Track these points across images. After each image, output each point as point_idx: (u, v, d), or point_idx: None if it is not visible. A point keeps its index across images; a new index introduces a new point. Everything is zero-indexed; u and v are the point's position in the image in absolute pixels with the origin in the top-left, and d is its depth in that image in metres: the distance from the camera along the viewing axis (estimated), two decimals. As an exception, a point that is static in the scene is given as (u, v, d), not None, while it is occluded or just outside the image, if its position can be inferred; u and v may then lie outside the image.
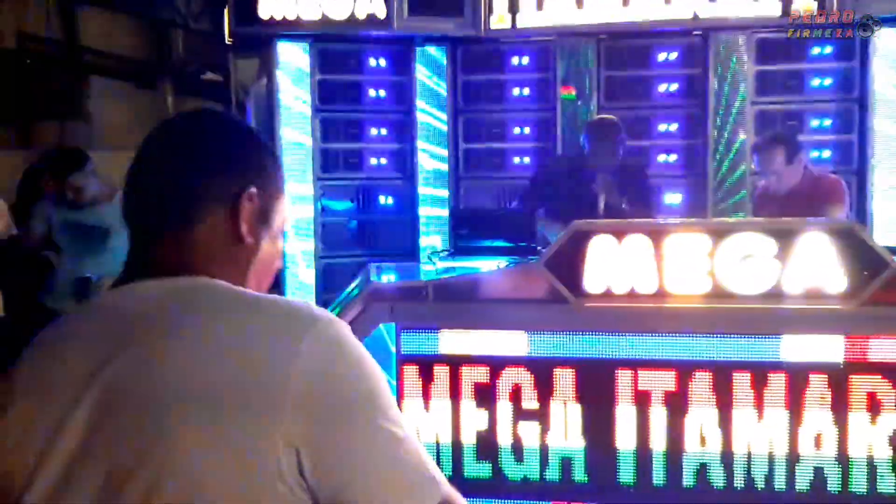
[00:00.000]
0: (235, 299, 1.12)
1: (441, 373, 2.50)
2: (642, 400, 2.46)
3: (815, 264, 2.41)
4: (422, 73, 5.62)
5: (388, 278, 2.91)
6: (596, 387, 2.48)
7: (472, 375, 2.53)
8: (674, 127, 5.53)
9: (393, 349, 2.55)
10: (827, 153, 5.47)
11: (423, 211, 5.56)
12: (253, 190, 1.19)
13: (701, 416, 2.45)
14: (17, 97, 8.70)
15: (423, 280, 2.57)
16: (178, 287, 1.13)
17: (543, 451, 2.51)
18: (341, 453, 1.04)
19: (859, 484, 2.40)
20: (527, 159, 5.64)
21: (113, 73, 9.66)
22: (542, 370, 2.50)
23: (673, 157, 5.53)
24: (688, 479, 2.46)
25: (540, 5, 5.36)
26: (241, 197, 1.17)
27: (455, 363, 2.52)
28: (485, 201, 5.59)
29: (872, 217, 5.27)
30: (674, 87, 5.52)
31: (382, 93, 5.72)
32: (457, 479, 2.53)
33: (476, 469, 2.55)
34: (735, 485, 2.45)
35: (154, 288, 1.13)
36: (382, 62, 5.70)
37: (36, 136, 8.98)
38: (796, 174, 4.00)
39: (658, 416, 2.46)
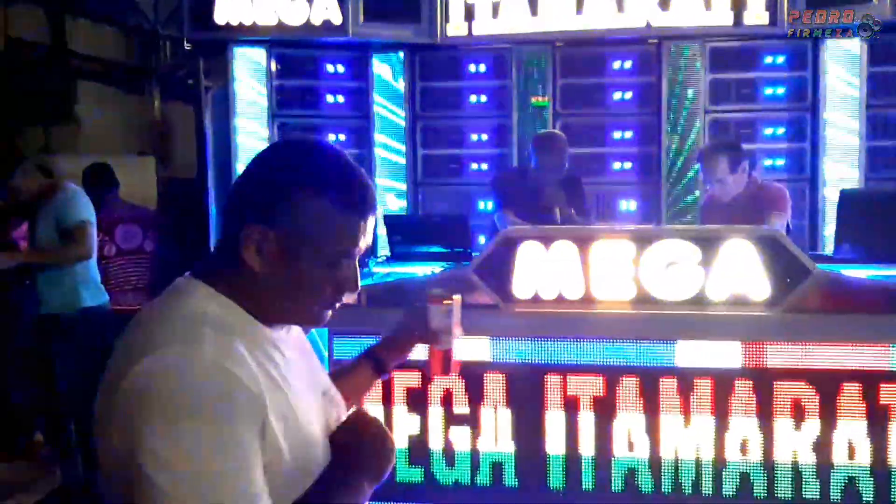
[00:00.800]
0: (152, 311, 1.18)
1: (372, 378, 2.51)
2: (571, 405, 2.49)
3: (739, 271, 2.45)
4: (379, 79, 5.64)
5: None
6: (525, 392, 2.51)
7: (404, 381, 2.54)
8: (628, 134, 5.58)
9: (326, 354, 2.57)
10: (780, 161, 5.54)
11: (380, 215, 5.56)
12: (255, 227, 1.19)
13: (629, 421, 2.48)
14: (5, 102, 8.60)
15: (356, 286, 2.57)
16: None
17: (474, 456, 2.53)
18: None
19: (784, 489, 2.44)
20: (484, 165, 5.67)
21: (101, 78, 9.63)
22: (472, 375, 2.52)
23: (627, 165, 5.58)
24: (616, 484, 2.49)
25: (495, 13, 5.39)
26: (240, 232, 1.19)
27: (386, 369, 2.53)
28: (443, 205, 5.61)
29: (824, 224, 5.35)
30: (628, 94, 5.57)
31: (340, 98, 5.73)
32: (389, 483, 2.54)
33: (408, 474, 2.57)
34: (662, 489, 2.48)
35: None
36: (340, 68, 5.71)
37: (23, 141, 8.90)
38: (740, 182, 4.03)
39: (586, 420, 2.49)
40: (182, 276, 1.25)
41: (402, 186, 5.70)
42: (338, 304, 1.27)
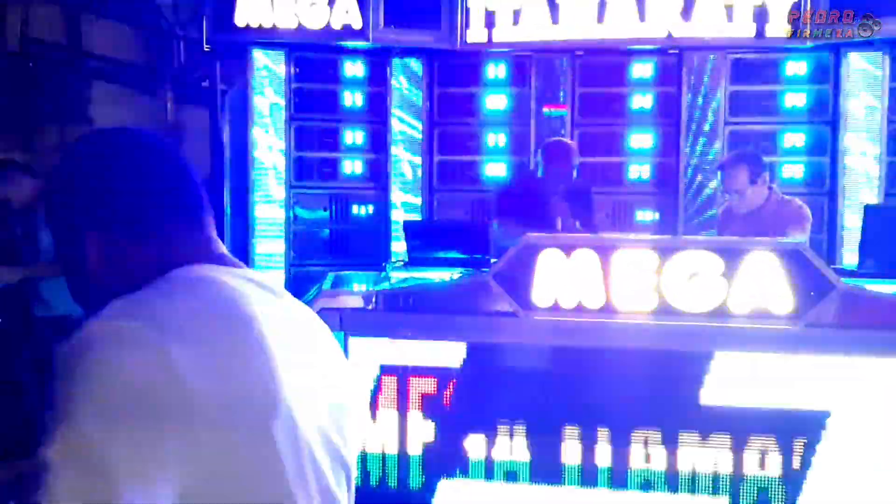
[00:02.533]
0: None
1: (388, 382, 2.50)
2: (589, 414, 2.46)
3: (762, 284, 2.42)
4: (398, 84, 5.64)
5: (343, 287, 2.91)
6: (542, 400, 2.48)
7: (420, 386, 2.52)
8: (647, 143, 5.56)
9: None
10: (799, 174, 5.51)
11: (398, 220, 5.57)
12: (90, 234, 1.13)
13: (647, 433, 2.45)
14: (20, 101, 8.66)
15: (373, 290, 2.56)
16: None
17: (489, 464, 2.51)
18: None
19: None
20: (501, 172, 5.66)
21: (115, 79, 9.69)
22: (489, 383, 2.50)
23: (646, 175, 5.55)
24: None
25: (516, 20, 5.39)
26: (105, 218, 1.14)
27: (403, 374, 2.52)
28: (458, 213, 5.61)
29: (843, 238, 5.31)
30: (648, 104, 5.55)
31: (359, 102, 5.73)
32: (402, 489, 2.52)
33: (422, 481, 2.55)
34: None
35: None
36: (359, 72, 5.71)
37: (38, 141, 8.97)
38: (760, 194, 4.01)
39: (603, 430, 2.46)
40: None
41: (418, 193, 5.69)
42: None
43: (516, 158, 5.64)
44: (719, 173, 4.12)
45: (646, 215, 5.53)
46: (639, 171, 5.56)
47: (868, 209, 3.44)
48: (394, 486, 2.52)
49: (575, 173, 4.06)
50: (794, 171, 5.48)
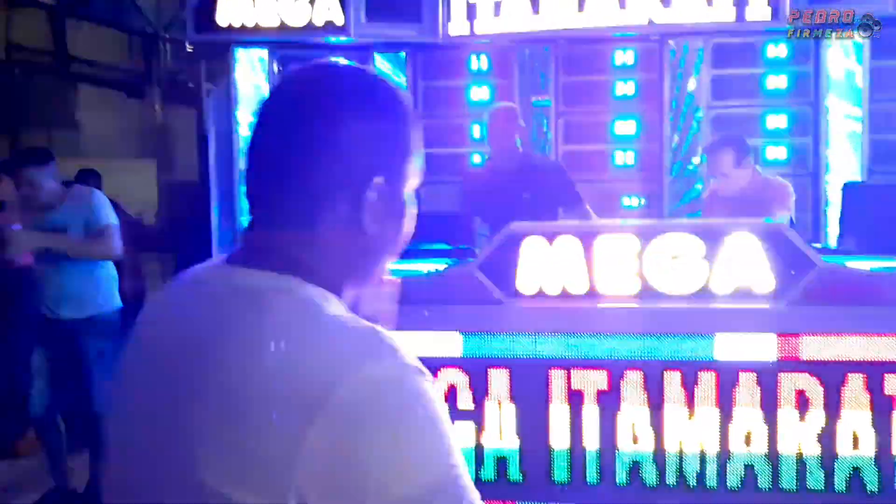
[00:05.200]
0: (311, 315, 0.99)
1: (377, 375, 2.52)
2: (575, 399, 2.49)
3: (744, 265, 2.45)
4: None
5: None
6: (530, 387, 2.51)
7: (409, 377, 2.55)
8: (631, 130, 5.60)
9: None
10: (783, 155, 5.55)
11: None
12: (380, 179, 1.04)
13: (633, 415, 2.48)
14: (7, 107, 8.66)
15: (360, 284, 2.58)
16: (260, 285, 1.00)
17: (479, 451, 2.54)
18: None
19: (789, 481, 2.45)
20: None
21: (102, 83, 9.67)
22: (476, 371, 2.53)
23: (630, 161, 5.59)
24: (620, 477, 2.50)
25: (497, 12, 5.41)
26: (365, 188, 1.03)
27: (391, 365, 2.54)
28: (445, 205, 5.62)
29: (826, 217, 5.35)
30: (631, 91, 5.58)
31: (344, 98, 5.74)
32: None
33: (413, 470, 2.57)
34: (667, 482, 2.49)
35: (240, 279, 1.01)
36: (344, 68, 5.73)
37: (25, 146, 8.96)
38: (745, 177, 4.06)
39: (591, 414, 2.49)
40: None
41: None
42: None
43: (502, 149, 5.65)
44: (705, 156, 4.16)
45: (632, 201, 5.57)
46: (623, 157, 5.60)
47: (847, 187, 3.48)
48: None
49: (517, 136, 3.94)
50: (777, 152, 5.52)
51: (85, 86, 9.60)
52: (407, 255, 3.35)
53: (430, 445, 0.96)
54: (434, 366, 2.53)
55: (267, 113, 1.05)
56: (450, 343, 2.53)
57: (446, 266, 2.90)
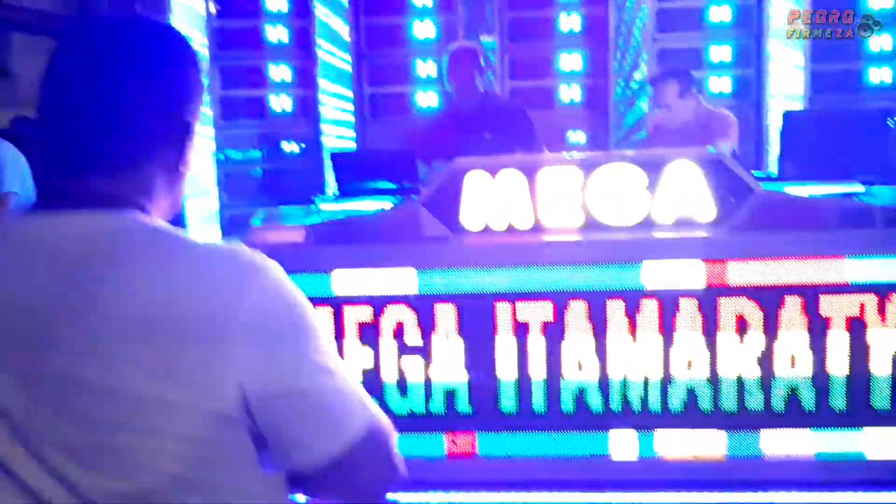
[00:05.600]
0: (179, 242, 1.12)
1: (324, 314, 2.52)
2: (521, 331, 2.52)
3: (684, 194, 2.48)
4: (323, 16, 5.53)
5: (273, 224, 2.90)
6: (476, 320, 2.53)
7: (356, 315, 2.55)
8: (577, 66, 5.57)
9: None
10: (727, 87, 5.59)
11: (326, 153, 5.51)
12: (195, 116, 1.18)
13: (578, 345, 2.52)
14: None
15: (303, 224, 2.56)
16: (120, 224, 1.10)
17: (427, 386, 2.56)
18: (282, 385, 1.10)
19: (729, 402, 2.52)
20: (433, 102, 5.63)
21: (36, 30, 9.31)
22: (424, 307, 2.53)
23: (576, 96, 5.58)
24: (566, 405, 2.55)
25: (438, -56, 5.30)
26: (191, 127, 1.17)
27: (337, 304, 2.54)
28: (393, 144, 5.57)
29: (769, 148, 5.43)
30: (576, 25, 5.55)
31: (284, 37, 5.61)
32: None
33: (364, 407, 2.59)
34: (612, 408, 2.54)
35: (92, 222, 1.09)
36: (283, 6, 5.58)
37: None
38: (688, 108, 4.09)
39: (536, 345, 2.52)
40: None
41: (351, 126, 5.64)
42: None
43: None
44: (649, 88, 4.18)
45: (578, 136, 5.58)
46: (569, 93, 5.58)
47: (787, 115, 3.53)
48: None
49: (480, 78, 3.88)
50: (721, 84, 5.56)
51: (18, 33, 9.23)
52: (351, 193, 3.34)
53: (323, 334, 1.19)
54: (382, 303, 2.53)
55: (69, 67, 1.14)
56: (397, 281, 2.53)
57: (392, 205, 2.89)
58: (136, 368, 1.01)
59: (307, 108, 5.60)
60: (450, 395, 2.56)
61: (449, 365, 2.55)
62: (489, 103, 3.92)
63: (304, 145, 5.63)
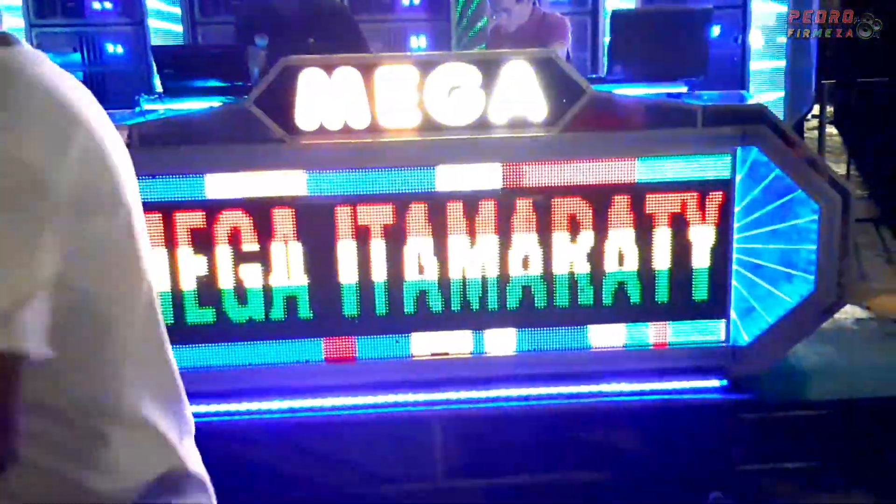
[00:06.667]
0: None
1: (152, 220, 2.40)
2: (362, 235, 2.50)
3: (518, 94, 2.49)
4: None
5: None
6: (316, 225, 2.48)
7: (187, 221, 2.44)
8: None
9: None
10: (564, -6, 5.63)
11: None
12: None
13: (418, 247, 2.54)
14: None
15: (126, 125, 2.39)
16: None
17: (267, 292, 2.51)
18: None
19: (562, 298, 2.62)
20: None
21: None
22: (260, 212, 2.46)
23: (417, 0, 5.47)
24: (408, 307, 2.57)
25: None
26: None
27: (167, 210, 2.42)
28: (215, 40, 5.27)
29: (605, 54, 5.55)
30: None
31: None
32: (179, 326, 2.48)
33: (199, 315, 2.52)
34: (452, 308, 2.59)
35: None
36: None
37: None
38: (525, 12, 4.09)
39: (378, 249, 2.52)
40: None
41: (179, 25, 5.30)
42: None
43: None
44: (487, -8, 4.13)
45: (420, 41, 5.49)
46: (410, -3, 5.47)
47: (615, 15, 3.59)
48: (170, 323, 2.47)
49: None
50: (557, -10, 5.59)
51: None
52: (179, 93, 3.14)
53: None
54: (215, 208, 2.43)
55: None
56: (230, 185, 2.44)
57: (221, 103, 2.75)
58: None
59: (131, 7, 5.20)
60: (290, 302, 2.52)
61: (289, 271, 2.51)
62: (310, 4, 3.67)
63: (128, 46, 5.24)
